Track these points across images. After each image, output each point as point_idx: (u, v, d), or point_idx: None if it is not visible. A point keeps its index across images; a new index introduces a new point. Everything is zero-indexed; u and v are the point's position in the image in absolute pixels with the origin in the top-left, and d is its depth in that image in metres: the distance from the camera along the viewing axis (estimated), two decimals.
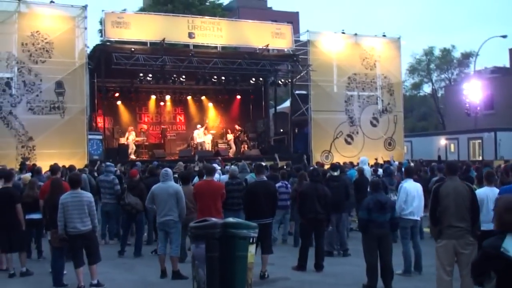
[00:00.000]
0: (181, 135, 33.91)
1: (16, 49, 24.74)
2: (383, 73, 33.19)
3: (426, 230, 12.98)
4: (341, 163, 21.41)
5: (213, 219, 9.27)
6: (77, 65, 25.83)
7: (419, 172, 16.77)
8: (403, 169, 18.56)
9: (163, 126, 33.38)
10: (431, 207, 8.42)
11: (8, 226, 11.22)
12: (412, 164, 24.94)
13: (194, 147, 31.46)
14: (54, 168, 12.55)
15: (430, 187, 13.58)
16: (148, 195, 11.52)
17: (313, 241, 12.12)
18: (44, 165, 18.22)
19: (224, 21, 31.84)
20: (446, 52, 64.80)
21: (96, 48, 27.81)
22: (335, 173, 13.91)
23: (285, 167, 20.69)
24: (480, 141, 37.18)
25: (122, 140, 30.96)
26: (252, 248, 9.12)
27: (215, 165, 18.35)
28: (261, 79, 31.52)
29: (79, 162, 23.05)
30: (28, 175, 15.13)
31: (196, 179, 14.35)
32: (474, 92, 39.70)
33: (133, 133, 30.64)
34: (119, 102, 32.25)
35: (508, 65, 56.16)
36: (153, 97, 33.21)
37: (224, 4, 65.24)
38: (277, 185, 15.10)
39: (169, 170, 11.54)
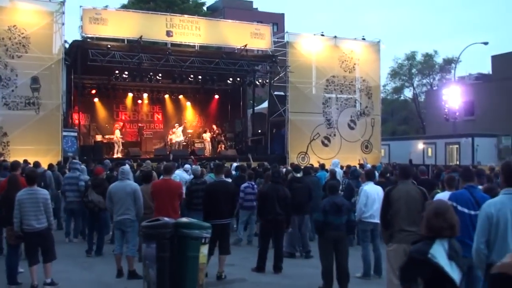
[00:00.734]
0: (158, 134, 33.81)
1: None
2: (362, 76, 33.29)
3: None
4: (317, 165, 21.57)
5: (166, 218, 9.22)
6: (53, 60, 25.61)
7: (387, 175, 16.72)
8: (376, 172, 18.58)
9: (140, 124, 33.25)
10: (382, 211, 8.41)
11: None
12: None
13: (171, 146, 31.38)
14: (13, 164, 12.45)
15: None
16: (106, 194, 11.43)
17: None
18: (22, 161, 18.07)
19: (203, 20, 31.72)
20: (428, 57, 65.09)
21: (73, 44, 27.66)
22: (298, 175, 13.91)
23: (257, 167, 20.68)
24: (457, 146, 37.39)
25: (98, 138, 30.87)
26: (204, 249, 9.06)
27: (187, 165, 18.35)
28: (238, 79, 31.43)
29: (53, 158, 22.96)
30: None
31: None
32: (453, 98, 39.93)
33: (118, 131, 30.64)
34: (96, 99, 31.99)
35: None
36: (130, 94, 33.01)
37: (209, 4, 65.44)
38: (244, 185, 15.16)
39: (126, 168, 11.47)
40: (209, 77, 30.03)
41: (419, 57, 65.71)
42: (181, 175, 17.02)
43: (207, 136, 32.61)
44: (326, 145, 31.95)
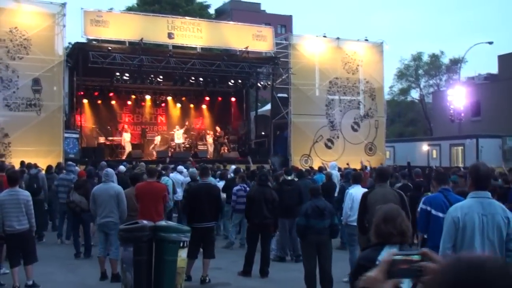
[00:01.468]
0: (161, 136, 33.74)
1: None
2: (365, 78, 33.09)
3: None
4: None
5: (144, 221, 9.18)
6: (55, 62, 25.75)
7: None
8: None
9: (143, 127, 33.22)
10: (359, 215, 8.35)
11: None
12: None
13: (173, 148, 31.37)
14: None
15: None
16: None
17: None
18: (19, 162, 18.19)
19: (204, 22, 31.64)
20: (435, 58, 64.48)
21: (75, 46, 27.73)
22: (289, 177, 13.81)
23: (256, 170, 20.58)
24: (462, 147, 37.06)
25: (101, 140, 30.89)
26: (182, 253, 9.03)
27: (180, 167, 18.33)
28: (240, 81, 31.31)
29: (54, 160, 22.98)
30: None
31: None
32: (458, 99, 39.62)
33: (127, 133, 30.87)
34: (99, 101, 31.99)
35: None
36: (133, 97, 32.95)
37: (217, 7, 65.44)
38: (236, 188, 15.10)
39: (110, 170, 11.44)
40: (210, 79, 29.89)
41: (425, 58, 65.28)
42: (175, 177, 17.03)
43: (209, 138, 32.55)
44: (329, 148, 31.78)
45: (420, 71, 65.38)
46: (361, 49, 33.12)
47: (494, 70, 54.66)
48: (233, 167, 21.50)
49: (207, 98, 34.56)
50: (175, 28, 28.43)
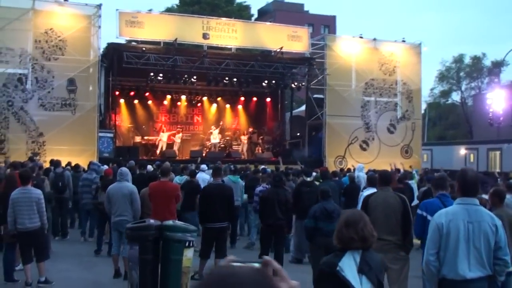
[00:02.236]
0: (196, 136, 33.91)
1: (30, 46, 25.08)
2: (403, 79, 32.61)
3: None
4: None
5: (151, 220, 9.20)
6: (90, 63, 26.08)
7: (406, 181, 16.35)
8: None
9: (178, 127, 33.37)
10: None
11: None
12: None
13: (209, 148, 31.51)
14: (13, 164, 12.60)
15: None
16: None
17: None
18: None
19: (240, 22, 31.55)
20: (477, 60, 63.29)
21: (110, 46, 28.03)
22: (308, 179, 13.67)
23: (284, 171, 20.48)
24: (499, 152, 36.29)
25: (138, 139, 31.20)
26: (188, 252, 9.01)
27: (203, 165, 18.36)
28: (273, 81, 31.22)
29: (88, 159, 23.03)
30: None
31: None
32: (498, 102, 38.82)
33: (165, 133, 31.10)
34: (135, 101, 32.29)
35: None
36: (169, 97, 33.15)
37: (260, 7, 65.41)
38: (258, 188, 14.99)
39: (124, 169, 11.52)
40: (244, 80, 29.88)
41: (467, 60, 64.10)
42: (202, 177, 17.05)
43: (244, 138, 32.59)
44: (364, 149, 31.47)
45: (462, 74, 64.30)
46: (399, 50, 32.67)
47: None
48: (262, 167, 21.37)
49: (242, 99, 34.57)
50: (210, 29, 28.49)
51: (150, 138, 31.51)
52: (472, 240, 5.47)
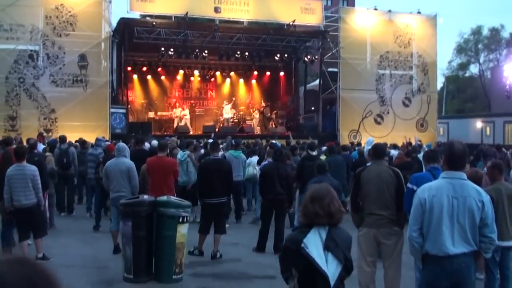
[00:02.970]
0: (210, 111, 33.75)
1: (41, 22, 25.01)
2: (418, 52, 32.10)
3: None
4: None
5: (145, 196, 9.13)
6: (101, 38, 26.02)
7: (414, 155, 16.04)
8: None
9: (192, 101, 33.25)
10: (352, 193, 8.02)
11: None
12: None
13: (222, 123, 31.40)
14: (7, 140, 12.56)
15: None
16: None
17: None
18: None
19: None
20: (495, 32, 62.17)
21: (121, 21, 27.86)
22: (313, 153, 13.42)
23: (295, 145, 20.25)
24: None
25: (151, 115, 31.16)
26: (182, 228, 8.93)
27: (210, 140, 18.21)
28: (286, 55, 30.90)
29: (101, 135, 23.15)
30: None
31: None
32: None
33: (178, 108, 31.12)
34: (148, 76, 32.15)
35: None
36: (182, 72, 32.92)
37: None
38: (263, 163, 14.83)
39: (121, 145, 11.42)
40: (256, 54, 29.61)
41: (485, 32, 62.92)
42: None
43: (257, 113, 32.40)
44: (379, 123, 31.14)
45: (480, 46, 63.25)
46: (414, 22, 32.11)
47: None
48: (272, 141, 21.14)
49: (256, 73, 34.28)
50: (222, 2, 28.12)
51: (164, 113, 31.44)
52: (456, 216, 5.26)
